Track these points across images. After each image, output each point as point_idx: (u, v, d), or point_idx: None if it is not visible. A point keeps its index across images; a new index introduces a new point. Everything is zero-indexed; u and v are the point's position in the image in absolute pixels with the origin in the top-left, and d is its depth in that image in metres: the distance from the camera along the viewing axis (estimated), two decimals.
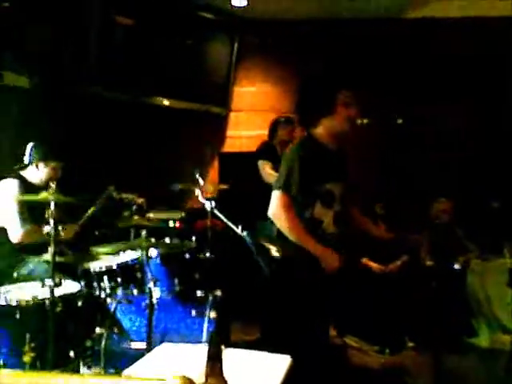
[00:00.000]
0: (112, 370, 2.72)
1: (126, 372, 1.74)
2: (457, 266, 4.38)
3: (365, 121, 2.50)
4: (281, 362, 1.79)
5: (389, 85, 5.06)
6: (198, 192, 3.98)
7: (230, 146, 5.52)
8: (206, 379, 1.41)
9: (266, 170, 4.43)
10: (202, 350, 1.45)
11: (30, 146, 3.35)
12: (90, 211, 3.41)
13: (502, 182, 4.77)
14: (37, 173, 3.31)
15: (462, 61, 5.01)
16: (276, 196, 2.39)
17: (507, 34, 4.88)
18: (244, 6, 5.06)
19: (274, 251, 2.53)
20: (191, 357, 1.78)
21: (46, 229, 2.61)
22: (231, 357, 1.82)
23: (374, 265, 4.39)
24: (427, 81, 5.07)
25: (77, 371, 2.68)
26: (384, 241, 2.78)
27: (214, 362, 1.41)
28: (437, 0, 4.96)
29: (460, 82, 5.04)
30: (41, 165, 3.31)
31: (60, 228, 2.60)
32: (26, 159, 3.32)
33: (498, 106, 5.04)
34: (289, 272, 2.44)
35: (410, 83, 5.06)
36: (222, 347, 1.72)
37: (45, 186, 2.94)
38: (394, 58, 5.14)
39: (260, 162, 4.50)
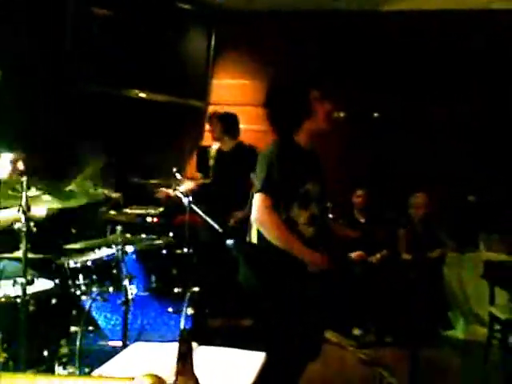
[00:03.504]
0: (87, 369, 2.67)
1: (97, 371, 1.71)
2: (433, 260, 4.42)
3: (341, 114, 2.47)
4: (254, 359, 1.77)
5: (371, 78, 5.07)
6: (175, 186, 3.94)
7: (208, 140, 5.47)
8: (177, 377, 1.39)
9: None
10: (174, 348, 1.42)
11: None
12: None
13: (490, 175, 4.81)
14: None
15: (445, 53, 5.04)
16: (258, 199, 2.31)
17: (487, 27, 4.93)
18: None
19: None
20: (163, 355, 1.76)
21: (18, 225, 2.55)
22: (204, 354, 1.80)
23: (355, 253, 4.40)
24: (410, 74, 5.09)
25: (51, 371, 2.62)
26: (352, 239, 2.78)
27: (185, 360, 1.39)
28: None
29: (446, 75, 5.07)
30: (1, 158, 3.24)
31: None
32: None
33: (493, 99, 5.07)
34: (271, 273, 2.39)
35: (392, 76, 5.07)
36: (194, 345, 1.70)
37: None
38: (378, 51, 5.13)
39: None
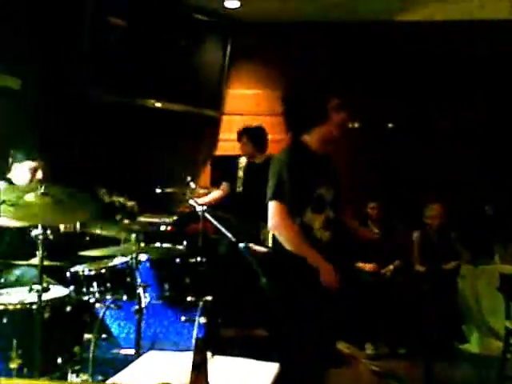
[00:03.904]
0: (100, 377, 2.68)
1: (111, 380, 1.71)
2: (447, 271, 4.37)
3: (355, 125, 2.48)
4: (268, 370, 1.77)
5: (383, 87, 5.08)
6: (189, 195, 3.97)
7: (222, 150, 5.50)
8: None
9: None
10: (188, 358, 1.42)
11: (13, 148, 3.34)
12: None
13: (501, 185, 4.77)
14: (19, 174, 3.28)
15: (453, 62, 5.07)
16: (272, 206, 2.33)
17: (491, 35, 4.96)
18: (237, 8, 5.07)
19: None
20: (178, 364, 1.76)
21: (34, 232, 2.58)
22: (218, 364, 1.80)
23: (367, 265, 4.40)
24: (417, 81, 5.09)
25: (64, 378, 2.63)
26: (371, 241, 2.76)
27: (199, 370, 1.39)
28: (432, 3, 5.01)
29: (453, 84, 5.07)
30: (22, 165, 3.28)
31: None
32: (10, 161, 3.30)
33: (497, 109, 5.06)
34: (285, 280, 2.38)
35: (401, 84, 5.08)
36: (209, 354, 1.70)
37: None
38: (389, 60, 5.15)
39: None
